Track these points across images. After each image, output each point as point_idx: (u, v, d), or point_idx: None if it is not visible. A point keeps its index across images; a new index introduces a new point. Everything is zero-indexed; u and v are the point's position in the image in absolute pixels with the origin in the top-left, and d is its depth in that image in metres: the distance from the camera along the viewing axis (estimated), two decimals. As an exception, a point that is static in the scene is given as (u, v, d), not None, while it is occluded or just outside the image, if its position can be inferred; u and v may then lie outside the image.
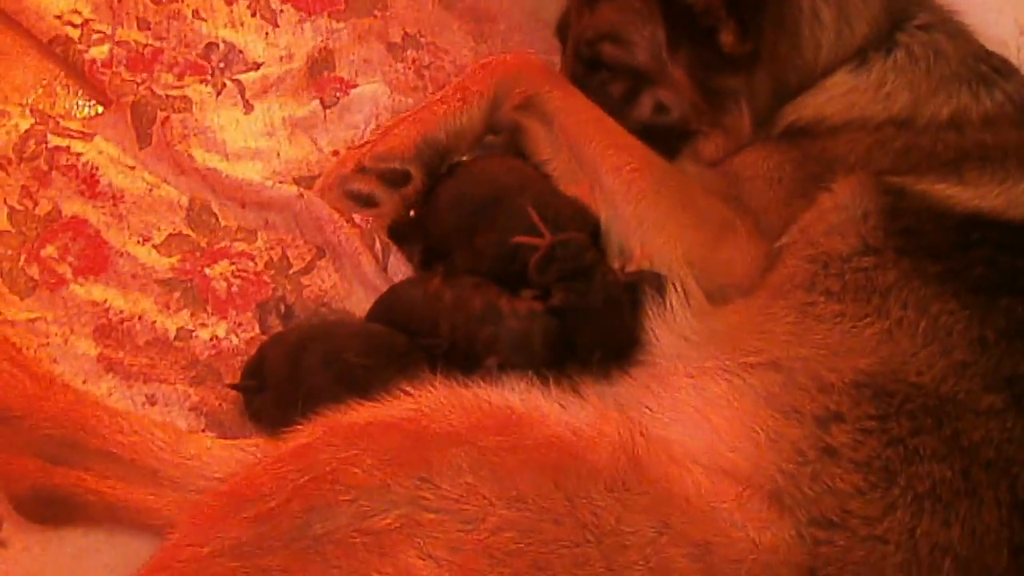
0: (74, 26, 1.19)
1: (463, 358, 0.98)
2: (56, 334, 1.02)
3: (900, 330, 0.88)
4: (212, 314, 1.06)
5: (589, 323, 1.01)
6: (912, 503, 0.78)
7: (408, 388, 0.85)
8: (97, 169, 1.12)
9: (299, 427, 0.84)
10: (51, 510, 0.93)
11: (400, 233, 1.11)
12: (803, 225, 0.98)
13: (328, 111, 1.19)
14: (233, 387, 1.01)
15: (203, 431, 0.99)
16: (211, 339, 1.05)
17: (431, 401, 0.83)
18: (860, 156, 1.02)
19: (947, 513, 0.78)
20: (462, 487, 0.76)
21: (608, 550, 0.75)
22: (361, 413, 0.84)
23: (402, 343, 1.00)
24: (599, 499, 0.77)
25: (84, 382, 1.00)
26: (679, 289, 1.00)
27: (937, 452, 0.80)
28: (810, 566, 0.77)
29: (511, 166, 1.11)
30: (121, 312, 1.04)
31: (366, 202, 1.07)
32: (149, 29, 1.21)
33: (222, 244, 1.11)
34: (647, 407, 0.88)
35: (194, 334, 1.05)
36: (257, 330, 1.06)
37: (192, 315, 1.06)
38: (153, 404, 1.00)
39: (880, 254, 0.92)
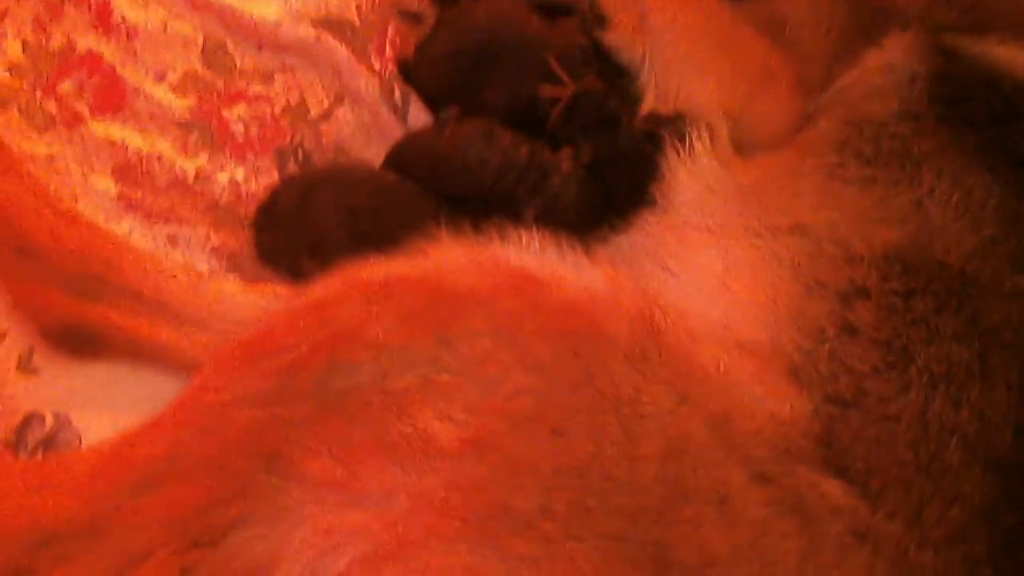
0: None
1: (486, 207, 0.97)
2: (75, 171, 1.01)
3: (931, 200, 0.86)
4: (230, 157, 1.05)
5: (615, 174, 1.00)
6: (927, 384, 0.79)
7: (423, 244, 0.84)
8: (110, 2, 1.08)
9: (316, 281, 0.84)
10: (78, 342, 0.95)
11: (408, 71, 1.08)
12: (844, 85, 0.95)
13: (348, -51, 1.15)
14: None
15: (225, 276, 1.00)
16: (230, 183, 1.04)
17: (449, 260, 0.83)
18: (921, 8, 0.97)
19: (959, 394, 0.79)
20: (480, 351, 0.76)
21: (625, 419, 0.75)
22: (378, 269, 0.83)
23: (412, 191, 1.00)
24: (618, 369, 0.77)
25: (105, 220, 1.00)
26: (706, 136, 0.97)
27: (957, 333, 0.81)
28: (826, 440, 0.78)
29: (500, 9, 1.06)
30: (139, 151, 1.03)
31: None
32: None
33: (239, 86, 1.08)
34: (666, 268, 0.89)
35: (213, 177, 1.04)
36: (275, 175, 1.05)
37: (210, 158, 1.05)
38: (175, 245, 1.01)
39: (919, 121, 0.89)
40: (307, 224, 0.99)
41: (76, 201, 1.00)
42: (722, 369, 0.79)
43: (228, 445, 0.77)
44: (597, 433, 0.75)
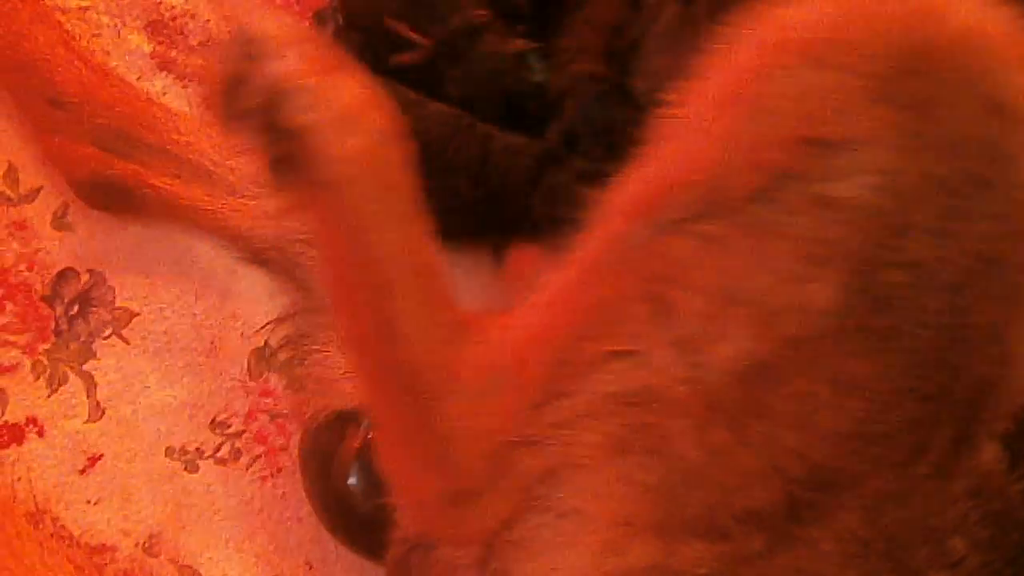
0: None
1: None
2: (108, 25, 1.00)
3: None
4: (266, 19, 1.03)
5: None
6: None
7: None
8: None
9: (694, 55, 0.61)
10: (110, 199, 0.95)
11: None
12: None
13: None
14: None
15: (256, 139, 1.00)
16: (265, 45, 1.03)
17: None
18: None
19: None
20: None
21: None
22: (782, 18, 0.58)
23: None
24: None
25: (138, 78, 0.99)
26: None
27: None
28: None
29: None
30: (173, 8, 1.01)
31: None
32: None
33: (277, -58, 1.06)
34: None
35: (247, 38, 1.03)
36: (313, 39, 1.04)
37: (246, 18, 1.03)
38: (209, 107, 1.00)
39: None
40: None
41: (109, 57, 0.99)
42: None
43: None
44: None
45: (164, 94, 0.99)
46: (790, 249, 0.57)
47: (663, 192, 0.61)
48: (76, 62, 0.93)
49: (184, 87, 1.00)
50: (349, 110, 0.61)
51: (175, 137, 0.95)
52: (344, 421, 0.92)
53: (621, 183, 0.64)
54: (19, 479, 0.96)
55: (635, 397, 0.61)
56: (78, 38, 0.98)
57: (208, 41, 1.01)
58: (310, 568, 0.99)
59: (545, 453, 0.63)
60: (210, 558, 1.00)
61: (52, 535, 0.96)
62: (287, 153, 0.61)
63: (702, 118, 0.60)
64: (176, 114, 0.96)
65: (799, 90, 0.56)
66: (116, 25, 1.00)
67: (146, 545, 0.99)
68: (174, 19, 1.01)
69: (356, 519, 0.89)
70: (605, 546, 0.63)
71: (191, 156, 0.95)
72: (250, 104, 0.61)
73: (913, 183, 0.55)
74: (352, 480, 0.89)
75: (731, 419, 0.59)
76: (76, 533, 0.97)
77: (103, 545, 0.98)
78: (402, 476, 0.70)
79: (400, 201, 0.64)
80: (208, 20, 1.02)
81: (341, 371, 0.95)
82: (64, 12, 0.99)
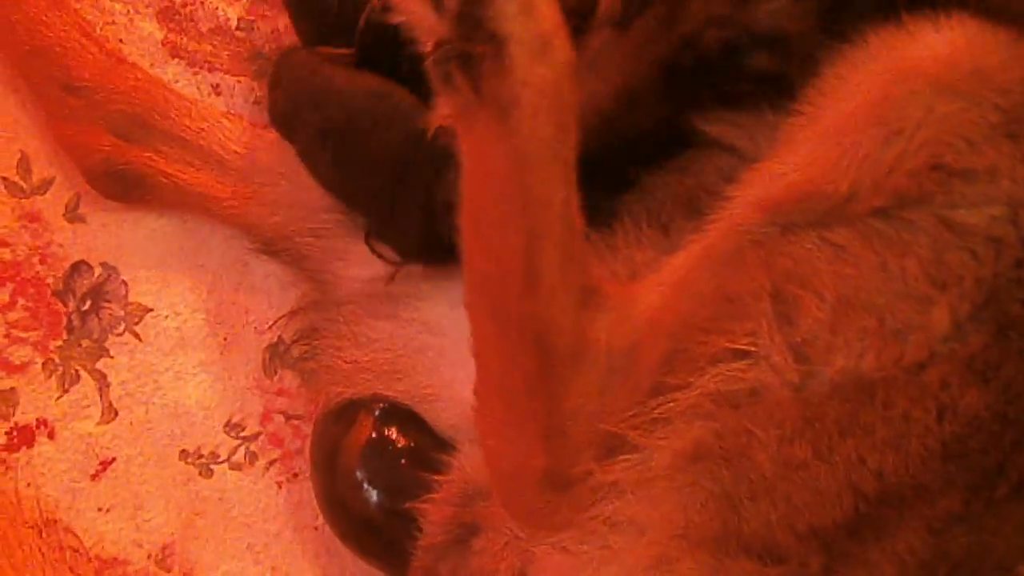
0: None
1: None
2: (120, 13, 1.00)
3: None
4: (272, 6, 1.03)
5: None
6: None
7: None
8: None
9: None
10: (123, 187, 0.95)
11: None
12: None
13: None
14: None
15: (267, 127, 0.98)
16: (272, 32, 1.03)
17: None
18: None
19: None
20: None
21: None
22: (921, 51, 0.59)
23: (394, 107, 0.85)
24: None
25: (151, 66, 0.99)
26: None
27: None
28: None
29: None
30: (183, -5, 1.03)
31: None
32: None
33: (279, -68, 1.07)
34: None
35: (255, 24, 1.02)
36: (319, 25, 1.05)
37: (252, 5, 1.02)
38: (219, 94, 1.00)
39: None
40: (294, 140, 0.93)
41: (122, 44, 0.98)
42: None
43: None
44: None
45: (176, 81, 0.99)
46: (912, 268, 0.58)
47: (792, 194, 0.61)
48: (91, 47, 0.94)
49: (195, 74, 1.00)
50: (548, 35, 0.57)
51: (187, 123, 0.95)
52: (355, 410, 0.89)
53: (749, 177, 0.65)
54: (27, 485, 0.93)
55: (740, 398, 0.60)
56: (92, 25, 0.97)
57: (217, 28, 1.02)
58: (327, 580, 0.96)
59: (630, 459, 0.61)
60: (225, 572, 0.96)
61: (58, 546, 0.92)
62: (472, 54, 0.56)
63: (835, 131, 0.61)
64: (189, 100, 0.96)
65: (930, 117, 0.58)
66: (128, 12, 1.00)
67: (159, 558, 0.96)
68: (184, 6, 1.02)
69: (362, 518, 0.85)
70: (655, 560, 0.60)
71: (203, 143, 0.95)
72: None
73: None
74: (359, 474, 0.84)
75: (819, 434, 0.59)
76: (87, 544, 0.94)
77: (115, 559, 0.95)
78: (504, 444, 0.65)
79: (567, 145, 0.60)
80: (216, 7, 1.02)
81: (353, 363, 0.93)
82: (78, 0, 0.99)
